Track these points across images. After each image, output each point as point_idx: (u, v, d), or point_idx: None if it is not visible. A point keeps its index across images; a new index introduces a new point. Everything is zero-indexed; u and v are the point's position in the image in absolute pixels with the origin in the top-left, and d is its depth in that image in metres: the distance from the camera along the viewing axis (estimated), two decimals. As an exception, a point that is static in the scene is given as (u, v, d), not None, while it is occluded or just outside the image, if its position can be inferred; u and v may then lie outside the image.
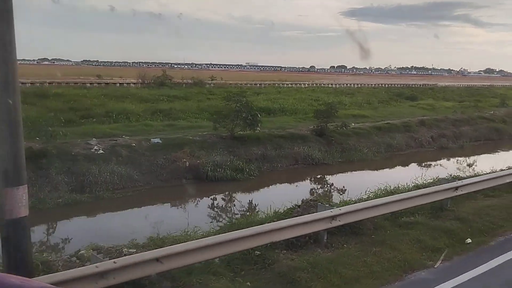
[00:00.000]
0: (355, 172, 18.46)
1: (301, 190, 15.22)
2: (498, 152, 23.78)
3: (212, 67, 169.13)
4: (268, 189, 15.51)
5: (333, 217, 7.07)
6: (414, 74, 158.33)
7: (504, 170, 11.66)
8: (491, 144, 24.79)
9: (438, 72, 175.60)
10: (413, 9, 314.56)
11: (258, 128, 18.30)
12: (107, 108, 24.10)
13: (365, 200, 8.64)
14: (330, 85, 54.56)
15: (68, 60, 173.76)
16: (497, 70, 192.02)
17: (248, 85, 49.88)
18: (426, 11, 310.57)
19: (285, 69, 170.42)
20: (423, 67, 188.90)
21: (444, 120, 25.33)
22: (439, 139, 23.65)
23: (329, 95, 39.35)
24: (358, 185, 15.38)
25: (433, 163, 20.32)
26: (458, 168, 17.70)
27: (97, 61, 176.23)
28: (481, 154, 22.25)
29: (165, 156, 16.03)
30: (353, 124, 23.42)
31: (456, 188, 9.09)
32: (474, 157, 21.19)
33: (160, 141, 16.77)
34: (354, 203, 7.88)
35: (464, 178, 9.79)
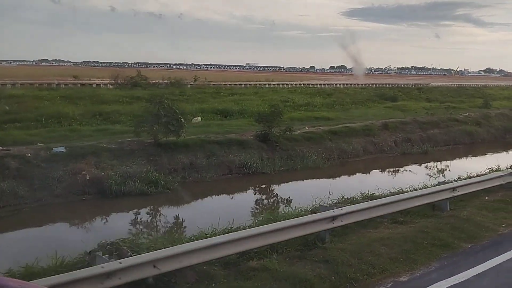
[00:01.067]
0: (291, 183, 16.34)
1: (217, 208, 13.08)
2: (468, 157, 21.53)
3: (211, 67, 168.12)
4: (173, 209, 13.33)
5: (108, 274, 5.00)
6: (414, 74, 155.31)
7: (415, 190, 9.50)
8: (460, 149, 22.49)
9: (438, 72, 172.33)
10: (414, 9, 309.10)
11: (183, 134, 16.23)
12: (41, 111, 22.17)
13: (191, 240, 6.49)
14: (317, 86, 52.58)
15: (68, 61, 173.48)
16: (497, 69, 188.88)
17: (232, 85, 48.21)
18: (427, 11, 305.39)
19: (283, 70, 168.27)
20: (423, 67, 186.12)
21: (410, 123, 23.09)
22: (402, 143, 21.45)
23: (304, 96, 37.35)
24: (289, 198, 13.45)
25: (384, 171, 18.20)
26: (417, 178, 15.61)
27: (97, 61, 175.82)
28: (446, 160, 20.02)
29: (65, 168, 14.02)
30: (307, 127, 21.34)
31: (333, 218, 6.97)
32: (435, 164, 19.04)
33: (64, 150, 14.75)
34: (153, 251, 5.70)
35: (346, 206, 7.63)
